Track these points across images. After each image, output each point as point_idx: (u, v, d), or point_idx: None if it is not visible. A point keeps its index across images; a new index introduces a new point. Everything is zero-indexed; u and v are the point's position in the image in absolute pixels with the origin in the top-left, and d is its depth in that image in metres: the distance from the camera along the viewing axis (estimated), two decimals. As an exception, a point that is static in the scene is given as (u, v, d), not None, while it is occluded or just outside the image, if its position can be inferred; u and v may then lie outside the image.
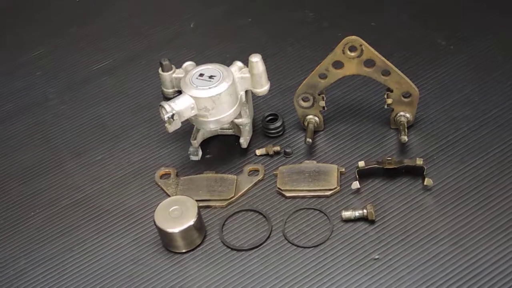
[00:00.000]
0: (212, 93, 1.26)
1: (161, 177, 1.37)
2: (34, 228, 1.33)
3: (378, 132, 1.38)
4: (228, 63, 1.33)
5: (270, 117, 1.42)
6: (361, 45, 1.29)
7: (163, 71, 1.34)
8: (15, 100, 1.61)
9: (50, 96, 1.60)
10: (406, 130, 1.33)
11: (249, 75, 1.30)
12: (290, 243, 1.22)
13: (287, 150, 1.37)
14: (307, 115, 1.39)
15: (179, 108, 1.26)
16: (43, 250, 1.28)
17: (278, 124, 1.40)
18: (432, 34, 1.57)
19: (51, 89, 1.62)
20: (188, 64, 1.34)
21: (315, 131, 1.40)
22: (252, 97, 1.40)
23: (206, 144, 1.41)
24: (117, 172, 1.40)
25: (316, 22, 1.67)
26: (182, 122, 1.27)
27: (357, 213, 1.23)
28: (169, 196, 1.32)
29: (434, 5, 1.66)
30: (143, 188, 1.36)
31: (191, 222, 1.22)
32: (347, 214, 1.24)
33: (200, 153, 1.39)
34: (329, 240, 1.22)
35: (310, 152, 1.37)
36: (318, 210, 1.27)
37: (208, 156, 1.40)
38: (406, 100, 1.34)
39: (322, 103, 1.37)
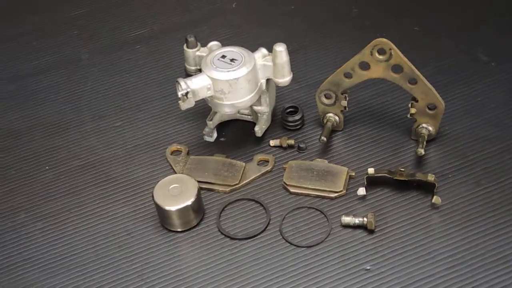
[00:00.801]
0: (230, 76, 1.24)
1: (172, 153, 1.36)
2: (42, 184, 1.35)
3: (397, 141, 1.34)
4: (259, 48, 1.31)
5: (290, 109, 1.39)
6: (390, 49, 1.25)
7: (187, 47, 1.33)
8: (49, 55, 1.63)
9: (83, 56, 1.62)
10: (424, 143, 1.28)
11: (272, 64, 1.28)
12: (284, 239, 1.20)
13: (301, 145, 1.34)
14: (327, 113, 1.35)
15: (194, 86, 1.24)
16: (44, 207, 1.30)
17: (297, 117, 1.38)
18: (476, 48, 1.51)
19: (85, 49, 1.63)
20: (213, 43, 1.33)
21: (334, 131, 1.37)
22: (276, 87, 1.38)
23: (223, 126, 1.40)
24: (131, 141, 1.40)
25: (359, 19, 1.63)
26: (198, 102, 1.27)
27: (357, 220, 1.20)
28: (175, 173, 1.31)
29: (483, 20, 1.59)
30: (153, 161, 1.36)
31: (189, 202, 1.21)
32: (346, 219, 1.20)
33: (215, 135, 1.37)
34: (324, 243, 1.19)
35: (325, 150, 1.34)
36: (319, 210, 1.24)
37: (222, 139, 1.38)
38: (430, 112, 1.30)
39: (344, 103, 1.33)
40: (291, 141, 1.35)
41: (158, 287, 1.16)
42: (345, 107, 1.34)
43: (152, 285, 1.17)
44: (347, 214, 1.21)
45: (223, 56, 1.27)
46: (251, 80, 1.26)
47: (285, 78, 1.30)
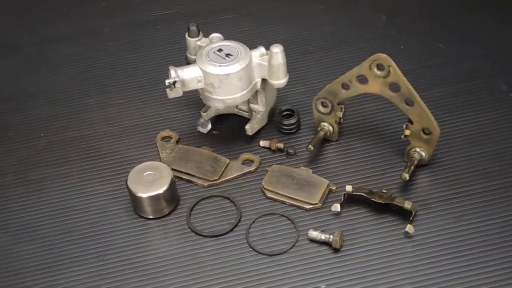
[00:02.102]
0: (220, 71, 1.23)
1: (162, 138, 1.36)
2: (34, 150, 1.37)
3: (390, 161, 1.29)
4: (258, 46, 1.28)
5: (286, 112, 1.36)
6: (389, 66, 1.20)
7: (189, 36, 1.32)
8: (74, 24, 1.65)
9: (105, 29, 1.63)
10: (412, 167, 1.23)
11: (267, 64, 1.25)
12: (248, 243, 1.18)
13: (290, 150, 1.31)
14: (322, 121, 1.32)
15: (184, 76, 1.23)
16: (30, 172, 1.33)
17: (292, 121, 1.35)
18: (497, 75, 1.43)
19: (108, 23, 1.65)
20: (214, 35, 1.31)
21: (327, 140, 1.33)
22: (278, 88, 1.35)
23: (218, 119, 1.39)
24: (128, 121, 1.41)
25: (384, 27, 1.57)
26: (187, 92, 1.26)
27: (323, 236, 1.17)
28: (159, 159, 1.31)
29: (510, 46, 1.50)
30: (143, 143, 1.36)
31: (160, 191, 1.21)
32: (313, 234, 1.17)
33: (209, 126, 1.36)
34: (286, 254, 1.17)
35: (313, 159, 1.31)
36: (290, 220, 1.21)
37: (215, 132, 1.37)
38: (425, 136, 1.24)
39: (340, 114, 1.29)
40: (281, 145, 1.32)
41: (116, 269, 1.17)
42: (340, 118, 1.30)
43: (111, 267, 1.18)
44: (315, 229, 1.18)
45: (220, 50, 1.26)
46: (243, 78, 1.24)
47: (280, 80, 1.27)
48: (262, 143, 1.33)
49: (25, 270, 1.18)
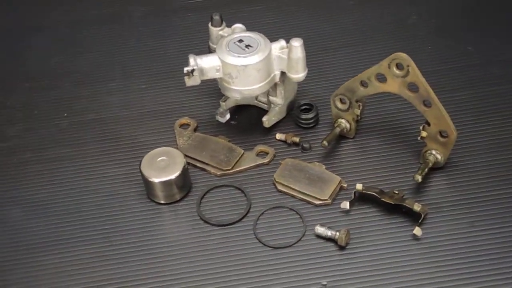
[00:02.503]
0: (238, 62, 1.22)
1: (181, 125, 1.37)
2: (56, 130, 1.39)
3: (405, 162, 1.27)
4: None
5: (305, 107, 1.35)
6: (408, 66, 1.18)
7: (212, 25, 1.32)
8: (109, 7, 1.67)
9: (136, 14, 1.65)
10: (426, 170, 1.21)
11: (286, 57, 1.24)
12: (254, 235, 1.18)
13: (305, 145, 1.31)
14: (340, 118, 1.30)
15: (203, 65, 1.24)
16: (50, 151, 1.35)
17: (310, 115, 1.34)
18: (528, 83, 1.40)
19: (140, 8, 1.66)
20: (236, 26, 1.31)
21: (344, 137, 1.32)
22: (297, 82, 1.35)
23: (238, 110, 1.39)
24: (148, 106, 1.42)
25: (414, 27, 1.54)
26: (205, 81, 1.26)
27: (329, 233, 1.16)
28: (176, 145, 1.32)
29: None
30: (161, 129, 1.37)
31: (172, 177, 1.21)
32: (320, 229, 1.17)
33: (228, 116, 1.37)
34: (291, 248, 1.16)
35: (328, 155, 1.30)
36: (299, 215, 1.21)
37: (233, 122, 1.37)
38: (441, 139, 1.22)
39: (357, 111, 1.28)
40: (296, 139, 1.31)
41: (122, 251, 1.19)
42: (357, 116, 1.29)
43: (117, 248, 1.19)
44: (322, 225, 1.17)
45: (240, 41, 1.26)
46: (261, 70, 1.24)
47: (298, 74, 1.26)
48: (279, 136, 1.33)
49: (33, 246, 1.20)
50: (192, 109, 1.40)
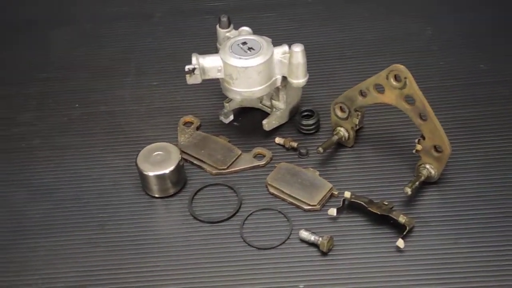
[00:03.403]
0: (239, 63, 1.25)
1: (185, 123, 1.40)
2: (67, 119, 1.44)
3: (400, 174, 1.27)
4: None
5: (306, 113, 1.37)
6: (405, 78, 1.19)
7: (219, 27, 1.35)
8: (129, 5, 1.72)
9: (156, 14, 1.69)
10: (417, 183, 1.21)
11: (288, 62, 1.26)
12: (240, 235, 1.20)
13: (302, 151, 1.32)
14: (339, 126, 1.32)
15: (205, 64, 1.27)
16: (58, 139, 1.40)
17: (310, 122, 1.35)
18: (534, 103, 1.39)
19: (161, 8, 1.70)
20: (243, 29, 1.34)
21: (342, 146, 1.33)
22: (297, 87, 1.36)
23: (242, 112, 1.41)
24: (157, 102, 1.46)
25: (428, 42, 1.54)
26: (207, 80, 1.29)
27: (312, 238, 1.17)
28: (176, 142, 1.35)
29: None
30: (166, 125, 1.41)
31: (166, 171, 1.25)
32: (304, 234, 1.18)
33: (231, 117, 1.39)
34: (274, 250, 1.18)
35: (324, 162, 1.31)
36: (286, 218, 1.22)
37: (236, 123, 1.40)
38: (436, 154, 1.22)
39: (356, 121, 1.29)
40: (294, 144, 1.33)
41: (113, 240, 1.22)
42: (356, 125, 1.30)
43: (110, 236, 1.23)
44: (306, 229, 1.18)
45: (244, 43, 1.28)
46: (261, 72, 1.26)
47: (299, 80, 1.28)
48: (278, 140, 1.35)
49: (31, 229, 1.25)
50: (198, 108, 1.43)
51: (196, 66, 1.26)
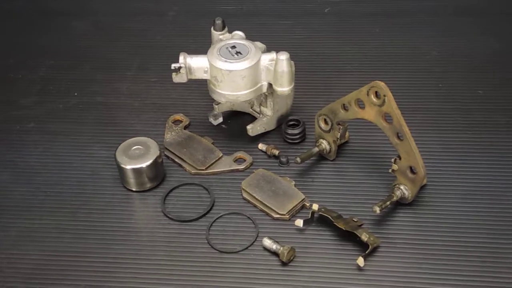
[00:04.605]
0: (224, 66, 1.25)
1: (174, 121, 1.41)
2: (63, 106, 1.48)
3: (378, 192, 1.25)
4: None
5: (292, 122, 1.36)
6: (384, 96, 1.17)
7: (214, 29, 1.35)
8: (145, 2, 1.75)
9: (170, 13, 1.71)
10: (387, 203, 1.18)
11: (273, 69, 1.26)
12: (205, 236, 1.20)
13: (282, 159, 1.31)
14: (321, 138, 1.30)
15: (192, 64, 1.28)
16: (51, 124, 1.43)
17: (295, 131, 1.34)
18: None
19: (175, 7, 1.72)
20: (236, 33, 1.34)
21: (324, 158, 1.32)
22: (293, 96, 1.36)
23: (233, 115, 1.41)
24: (152, 98, 1.48)
25: (432, 62, 1.51)
26: (193, 80, 1.30)
27: (274, 246, 1.16)
28: (162, 139, 1.36)
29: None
30: (155, 121, 1.42)
31: (142, 165, 1.26)
32: (266, 242, 1.17)
33: (220, 120, 1.40)
34: (235, 255, 1.18)
35: (303, 172, 1.30)
36: (254, 224, 1.22)
37: (224, 126, 1.40)
38: (411, 175, 1.19)
39: (337, 134, 1.28)
40: (276, 151, 1.32)
41: (83, 227, 1.24)
42: (338, 138, 1.28)
43: (79, 223, 1.24)
44: (270, 238, 1.18)
45: (233, 47, 1.28)
46: (246, 77, 1.26)
47: (283, 88, 1.27)
48: (261, 146, 1.34)
49: (7, 209, 1.28)
50: (191, 107, 1.44)
51: (182, 65, 1.27)
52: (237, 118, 1.41)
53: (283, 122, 1.37)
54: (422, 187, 1.24)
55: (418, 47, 1.56)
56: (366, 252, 1.14)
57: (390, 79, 1.46)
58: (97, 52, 1.62)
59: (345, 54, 1.56)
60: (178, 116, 1.42)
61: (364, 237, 1.14)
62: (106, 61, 1.59)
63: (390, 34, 1.61)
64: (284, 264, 1.15)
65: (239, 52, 1.27)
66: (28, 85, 1.54)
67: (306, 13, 1.69)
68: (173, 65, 1.27)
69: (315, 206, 1.19)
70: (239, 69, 1.25)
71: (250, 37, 1.38)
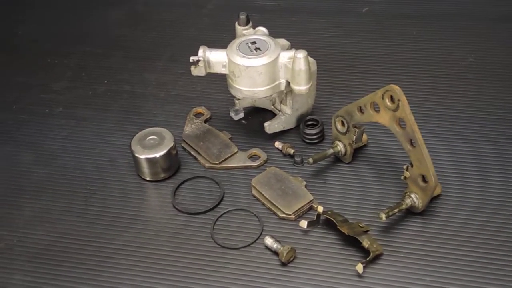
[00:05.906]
0: (241, 61, 1.25)
1: (196, 114, 1.42)
2: (92, 93, 1.51)
3: (389, 198, 1.22)
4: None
5: (311, 122, 1.34)
6: (399, 100, 1.14)
7: (238, 24, 1.35)
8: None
9: (208, 6, 1.72)
10: (395, 211, 1.15)
11: (291, 68, 1.25)
12: (210, 232, 1.20)
13: (297, 159, 1.30)
14: (338, 140, 1.28)
15: (211, 58, 1.28)
16: (78, 110, 1.47)
17: (313, 131, 1.32)
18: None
19: (214, 1, 1.73)
20: (259, 28, 1.33)
21: (339, 161, 1.29)
22: (315, 95, 1.34)
23: (254, 111, 1.41)
24: (177, 90, 1.50)
25: (465, 69, 1.47)
26: (212, 74, 1.30)
27: (275, 246, 1.15)
28: (182, 131, 1.37)
29: None
30: (178, 113, 1.43)
31: (156, 155, 1.27)
32: (268, 241, 1.16)
33: (241, 115, 1.39)
34: (237, 251, 1.17)
35: (316, 173, 1.28)
36: (260, 222, 1.21)
37: (244, 121, 1.40)
38: (422, 184, 1.16)
39: (353, 137, 1.25)
40: (291, 151, 1.31)
41: (94, 212, 1.26)
42: (353, 141, 1.26)
43: (92, 209, 1.26)
44: (272, 237, 1.16)
45: (253, 43, 1.28)
46: (263, 74, 1.25)
47: (300, 87, 1.25)
48: (277, 144, 1.33)
49: (26, 189, 1.31)
50: (214, 101, 1.45)
51: (200, 58, 1.27)
52: (258, 115, 1.41)
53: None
54: (436, 198, 1.21)
55: (454, 52, 1.51)
56: (367, 258, 1.11)
57: (417, 83, 1.45)
58: (130, 41, 1.64)
59: (376, 56, 1.53)
60: (200, 109, 1.42)
61: (366, 243, 1.11)
62: (138, 51, 1.61)
63: (426, 37, 1.56)
64: (283, 264, 1.14)
65: (258, 48, 1.26)
66: (61, 70, 1.58)
67: (342, 12, 1.67)
68: (192, 58, 1.28)
69: (320, 208, 1.17)
70: (256, 65, 1.24)
71: (283, 34, 1.38)
